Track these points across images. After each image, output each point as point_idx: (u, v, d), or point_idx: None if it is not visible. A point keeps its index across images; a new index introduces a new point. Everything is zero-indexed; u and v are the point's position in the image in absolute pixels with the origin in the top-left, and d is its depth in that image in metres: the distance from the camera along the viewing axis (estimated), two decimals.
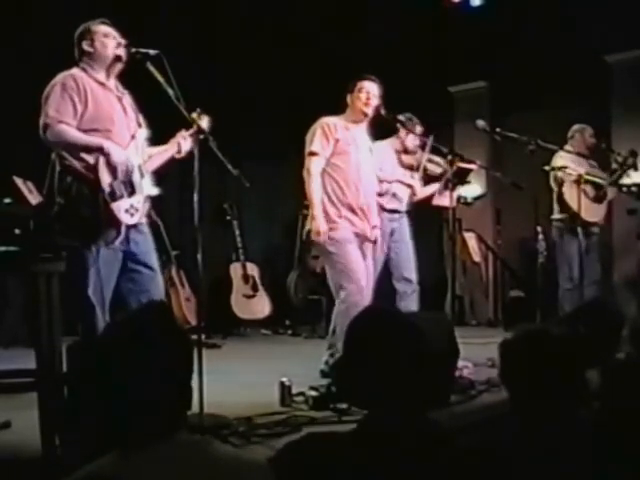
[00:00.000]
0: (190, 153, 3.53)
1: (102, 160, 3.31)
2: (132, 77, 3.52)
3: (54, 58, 3.54)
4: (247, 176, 3.64)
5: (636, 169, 5.81)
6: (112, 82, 3.50)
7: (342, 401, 3.26)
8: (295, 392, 3.65)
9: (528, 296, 7.08)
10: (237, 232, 7.20)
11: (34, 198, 5.14)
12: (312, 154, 4.35)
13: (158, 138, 3.67)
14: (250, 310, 7.06)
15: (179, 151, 3.61)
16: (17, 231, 2.80)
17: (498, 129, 5.20)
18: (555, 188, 5.82)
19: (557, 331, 2.04)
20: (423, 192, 5.25)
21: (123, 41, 3.46)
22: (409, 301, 4.80)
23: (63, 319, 2.82)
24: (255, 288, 7.13)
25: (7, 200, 3.52)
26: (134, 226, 3.43)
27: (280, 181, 7.57)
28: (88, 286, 3.29)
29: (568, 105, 6.94)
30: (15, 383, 2.99)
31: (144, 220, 3.52)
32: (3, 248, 2.73)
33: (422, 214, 5.39)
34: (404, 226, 5.02)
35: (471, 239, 7.93)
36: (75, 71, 3.42)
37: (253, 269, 7.20)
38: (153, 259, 3.53)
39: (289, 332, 7.30)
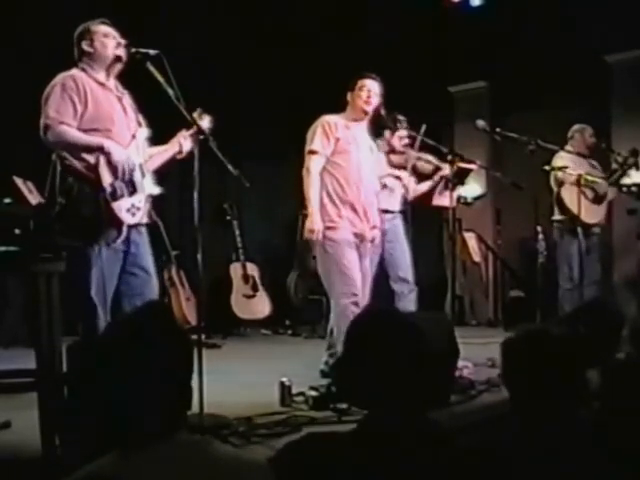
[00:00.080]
0: (190, 153, 3.53)
1: (103, 160, 3.31)
2: (132, 77, 3.52)
3: (54, 58, 3.54)
4: (247, 176, 3.64)
5: (637, 168, 5.81)
6: (112, 82, 3.50)
7: (342, 401, 3.26)
8: (295, 392, 3.65)
9: (528, 296, 7.08)
10: (237, 232, 7.20)
11: (34, 198, 5.14)
12: (312, 152, 4.35)
13: (158, 138, 3.67)
14: (250, 310, 7.06)
15: (180, 151, 3.61)
16: (17, 231, 2.80)
17: (498, 129, 5.20)
18: (555, 189, 5.82)
19: (557, 331, 2.04)
20: (416, 190, 5.24)
21: (123, 41, 3.46)
22: (407, 301, 4.78)
23: (63, 319, 2.82)
24: (255, 288, 7.13)
25: (7, 200, 3.52)
26: (134, 227, 3.43)
27: (280, 181, 7.56)
28: (91, 286, 3.29)
29: (568, 105, 6.94)
30: (15, 383, 2.99)
31: (145, 220, 3.52)
32: (3, 248, 2.73)
33: (422, 214, 5.39)
34: (398, 226, 4.99)
35: (471, 239, 7.93)
36: (75, 71, 3.42)
37: (253, 269, 7.20)
38: (149, 262, 3.52)
39: (289, 332, 7.30)
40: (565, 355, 1.97)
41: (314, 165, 4.34)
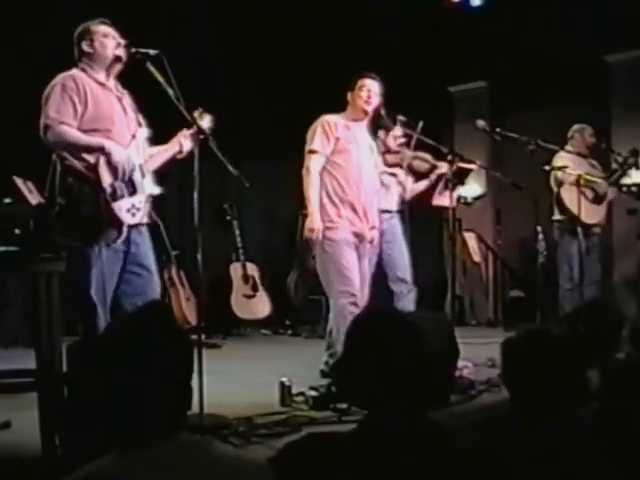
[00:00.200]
0: (190, 153, 3.53)
1: (102, 160, 3.30)
2: (132, 77, 3.51)
3: (54, 58, 3.53)
4: (247, 176, 3.64)
5: (637, 168, 5.81)
6: (112, 82, 3.50)
7: (342, 401, 3.26)
8: (295, 392, 3.65)
9: (528, 296, 7.08)
10: (237, 232, 7.20)
11: (34, 198, 5.14)
12: (312, 152, 4.35)
13: (158, 138, 3.67)
14: (250, 310, 7.06)
15: (181, 151, 3.61)
16: (17, 231, 2.80)
17: (498, 129, 5.20)
18: (555, 189, 5.82)
19: (557, 331, 2.04)
20: (414, 190, 5.22)
21: (123, 41, 3.45)
22: (405, 301, 4.75)
23: (63, 319, 2.82)
24: (255, 288, 7.13)
25: (7, 200, 3.52)
26: (135, 227, 3.43)
27: (280, 181, 7.56)
28: (90, 286, 3.28)
29: (568, 105, 6.95)
30: (15, 383, 2.99)
31: (145, 220, 3.52)
32: (3, 248, 2.73)
33: (422, 214, 5.38)
34: (395, 226, 4.93)
35: (471, 239, 7.93)
36: (75, 72, 3.42)
37: (253, 269, 7.20)
38: (151, 261, 3.52)
39: (289, 332, 7.30)
40: (565, 355, 1.97)
41: (314, 165, 4.34)
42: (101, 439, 1.58)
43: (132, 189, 3.39)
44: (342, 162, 4.35)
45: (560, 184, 5.76)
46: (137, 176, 3.43)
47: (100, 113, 3.38)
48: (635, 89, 6.94)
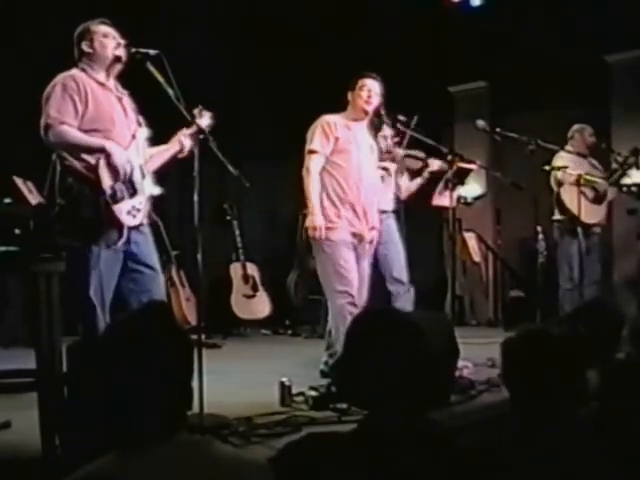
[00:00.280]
0: (190, 153, 3.53)
1: (103, 161, 3.30)
2: (132, 77, 3.51)
3: (54, 58, 3.53)
4: (247, 176, 3.64)
5: (638, 168, 5.80)
6: (112, 82, 3.50)
7: (342, 401, 3.26)
8: (295, 392, 3.65)
9: (528, 296, 7.08)
10: (237, 232, 7.20)
11: (34, 198, 5.13)
12: (312, 152, 4.35)
13: (158, 138, 3.67)
14: (250, 310, 7.06)
15: (182, 150, 3.60)
16: (17, 231, 2.80)
17: (498, 129, 5.20)
18: (555, 189, 5.82)
19: (557, 331, 2.04)
20: (409, 188, 5.20)
21: (123, 41, 3.45)
22: (403, 302, 4.71)
23: (63, 319, 2.82)
24: (255, 288, 7.13)
25: (7, 200, 3.51)
26: (135, 227, 3.43)
27: (280, 181, 7.57)
28: (89, 286, 3.29)
29: (568, 105, 6.94)
30: (15, 383, 2.99)
31: (145, 221, 3.52)
32: (3, 248, 2.73)
33: (422, 214, 5.38)
34: (391, 226, 4.87)
35: (471, 239, 7.93)
36: (75, 71, 3.42)
37: (253, 269, 7.20)
38: (154, 259, 3.53)
39: (289, 332, 7.30)
40: (565, 355, 1.97)
41: (314, 165, 4.34)
42: (101, 439, 1.58)
43: (132, 190, 3.39)
44: (342, 162, 4.35)
45: (560, 184, 5.76)
46: (137, 177, 3.43)
47: (100, 113, 3.38)
48: (635, 89, 6.93)
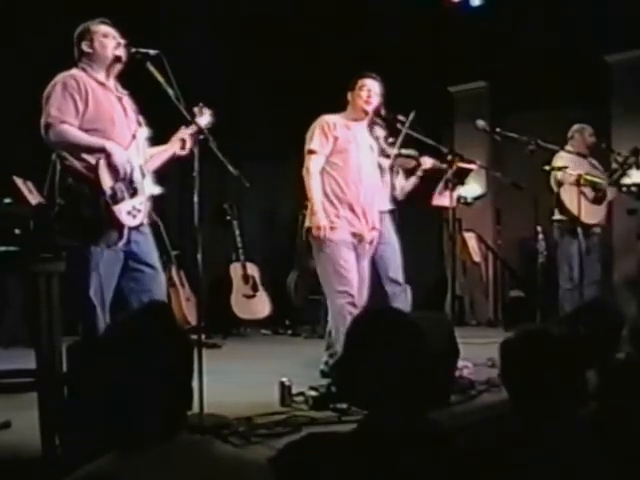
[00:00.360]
0: (190, 153, 3.53)
1: (103, 161, 3.30)
2: (132, 77, 3.51)
3: (54, 58, 3.53)
4: (247, 176, 3.64)
5: (638, 168, 5.80)
6: (112, 82, 3.50)
7: (342, 401, 3.26)
8: (295, 392, 3.65)
9: (528, 296, 7.08)
10: (237, 232, 7.20)
11: (34, 198, 5.13)
12: (311, 152, 4.35)
13: (158, 138, 3.67)
14: (250, 310, 7.06)
15: (183, 147, 3.60)
16: (17, 231, 2.80)
17: (498, 129, 5.20)
18: (555, 189, 5.82)
19: (557, 331, 2.04)
20: (404, 188, 5.18)
21: (123, 41, 3.45)
22: (399, 302, 4.68)
23: (63, 319, 2.82)
24: (255, 288, 7.13)
25: (7, 200, 3.52)
26: (135, 227, 3.43)
27: (280, 181, 7.57)
28: (89, 286, 3.28)
29: (568, 105, 6.95)
30: (15, 383, 2.99)
31: (146, 221, 3.52)
32: (3, 248, 2.73)
33: (422, 214, 5.38)
34: (387, 227, 4.82)
35: (471, 239, 7.93)
36: (75, 71, 3.42)
37: (253, 269, 7.20)
38: (155, 258, 3.53)
39: (289, 332, 7.30)
40: (565, 355, 1.97)
41: (313, 165, 4.33)
42: (101, 439, 1.58)
43: (132, 191, 3.39)
44: (341, 162, 4.35)
45: (560, 184, 5.76)
46: (137, 177, 3.43)
47: (100, 113, 3.38)
48: (635, 89, 6.93)
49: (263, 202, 7.99)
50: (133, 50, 3.43)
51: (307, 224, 4.42)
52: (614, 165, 6.00)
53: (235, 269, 7.14)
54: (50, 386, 2.72)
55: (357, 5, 6.99)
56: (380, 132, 4.89)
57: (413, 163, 5.05)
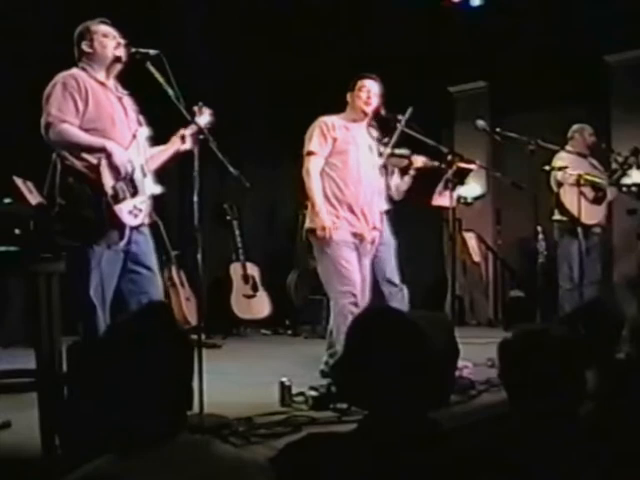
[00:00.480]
0: (190, 153, 3.52)
1: (104, 162, 3.30)
2: (132, 77, 3.51)
3: (54, 58, 3.53)
4: (247, 176, 3.64)
5: (638, 168, 5.81)
6: (112, 82, 3.50)
7: (342, 401, 3.26)
8: (295, 392, 3.65)
9: (528, 296, 7.08)
10: (237, 232, 7.19)
11: (34, 198, 5.12)
12: (310, 153, 4.34)
13: (158, 138, 3.67)
14: (250, 310, 7.06)
15: (184, 142, 3.58)
16: (17, 231, 2.80)
17: (498, 129, 5.20)
18: (555, 189, 5.82)
19: (557, 331, 2.04)
20: (398, 188, 5.15)
21: (123, 41, 3.45)
22: (396, 302, 4.65)
23: (63, 319, 2.82)
24: (255, 288, 7.13)
25: (7, 200, 3.52)
26: (136, 227, 3.43)
27: (280, 181, 7.56)
28: (90, 286, 3.28)
29: (568, 105, 6.95)
30: (15, 383, 3.00)
31: (147, 220, 3.52)
32: (3, 248, 2.73)
33: (422, 214, 5.37)
34: (384, 227, 4.78)
35: (471, 239, 7.94)
36: (75, 70, 3.42)
37: (253, 269, 7.20)
38: (153, 260, 3.52)
39: (289, 332, 7.30)
40: (565, 355, 1.97)
41: (313, 166, 4.33)
42: (101, 439, 1.58)
43: (133, 190, 3.39)
44: (340, 163, 4.34)
45: (560, 185, 5.76)
46: (138, 177, 3.43)
47: (100, 113, 3.38)
48: (635, 89, 6.94)
49: (263, 202, 7.98)
50: (133, 50, 3.43)
51: (308, 225, 4.41)
52: (614, 165, 6.01)
53: (235, 269, 7.14)
54: (50, 386, 2.72)
55: (357, 5, 6.99)
56: (373, 133, 4.89)
57: (405, 162, 5.04)
